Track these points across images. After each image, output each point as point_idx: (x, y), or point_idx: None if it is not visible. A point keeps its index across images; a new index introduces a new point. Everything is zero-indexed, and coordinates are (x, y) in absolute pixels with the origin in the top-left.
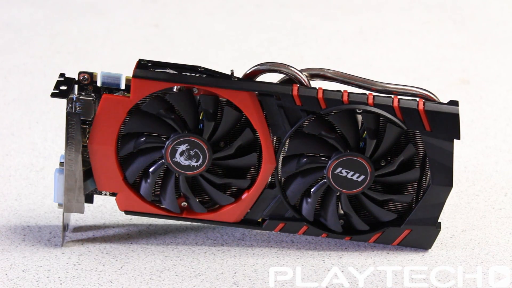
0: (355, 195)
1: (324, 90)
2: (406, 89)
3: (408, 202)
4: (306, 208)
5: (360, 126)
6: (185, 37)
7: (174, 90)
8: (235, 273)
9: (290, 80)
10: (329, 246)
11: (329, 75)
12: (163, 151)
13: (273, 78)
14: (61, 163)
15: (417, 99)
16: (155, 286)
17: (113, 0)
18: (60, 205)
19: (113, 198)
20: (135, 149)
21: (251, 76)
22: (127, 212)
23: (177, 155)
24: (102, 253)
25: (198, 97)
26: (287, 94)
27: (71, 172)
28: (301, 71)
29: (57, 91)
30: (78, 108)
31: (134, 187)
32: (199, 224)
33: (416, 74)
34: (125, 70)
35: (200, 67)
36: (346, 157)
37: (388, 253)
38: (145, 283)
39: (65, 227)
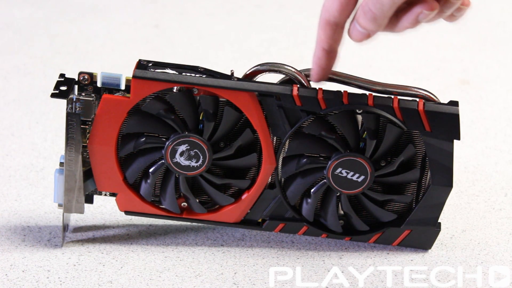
0: (355, 196)
1: (324, 91)
2: (406, 90)
3: (408, 203)
4: (306, 208)
5: (360, 126)
6: (185, 38)
7: (174, 90)
8: (235, 273)
9: (290, 80)
10: (329, 247)
11: (329, 75)
12: (163, 151)
13: (273, 78)
14: (61, 164)
15: (417, 99)
16: (155, 286)
17: (113, 1)
18: (60, 205)
19: (113, 198)
20: (135, 150)
21: (251, 76)
22: (127, 213)
23: (177, 155)
24: (102, 253)
25: (198, 98)
26: (287, 94)
27: (71, 172)
28: (301, 71)
29: (57, 92)
30: (78, 109)
31: (134, 187)
32: (199, 224)
33: (416, 74)
34: (125, 71)
35: (200, 67)
36: (346, 158)
37: (388, 253)
38: (145, 283)
39: (65, 227)
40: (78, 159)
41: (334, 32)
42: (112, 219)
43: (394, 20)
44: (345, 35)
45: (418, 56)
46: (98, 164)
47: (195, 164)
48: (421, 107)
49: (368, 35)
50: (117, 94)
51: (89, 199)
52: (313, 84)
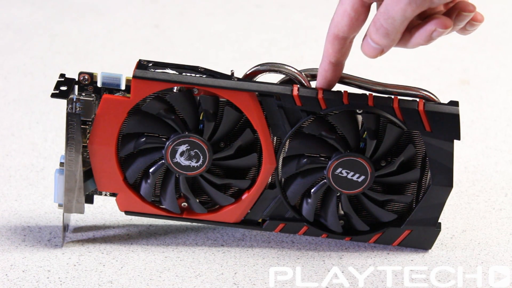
0: (355, 196)
1: (324, 91)
2: (406, 90)
3: (408, 203)
4: (306, 208)
5: (360, 126)
6: (185, 38)
7: (174, 90)
8: (235, 273)
9: (290, 80)
10: (329, 247)
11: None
12: (163, 151)
13: (273, 78)
14: (61, 164)
15: (417, 99)
16: (155, 286)
17: (114, 1)
18: (60, 205)
19: (113, 198)
20: (135, 150)
21: (251, 76)
22: (127, 213)
23: (177, 155)
24: (102, 253)
25: (198, 98)
26: (287, 94)
27: (71, 172)
28: (301, 71)
29: (57, 92)
30: (78, 109)
31: (134, 187)
32: (199, 224)
33: (416, 74)
34: (125, 71)
35: (200, 67)
36: (346, 158)
37: (388, 253)
38: (145, 283)
39: (65, 227)
40: (78, 159)
41: (342, 46)
42: (112, 219)
43: (407, 35)
44: (353, 47)
45: (418, 56)
46: (98, 164)
47: (195, 164)
48: (421, 107)
49: (381, 51)
50: (117, 94)
51: (89, 199)
52: (313, 85)
